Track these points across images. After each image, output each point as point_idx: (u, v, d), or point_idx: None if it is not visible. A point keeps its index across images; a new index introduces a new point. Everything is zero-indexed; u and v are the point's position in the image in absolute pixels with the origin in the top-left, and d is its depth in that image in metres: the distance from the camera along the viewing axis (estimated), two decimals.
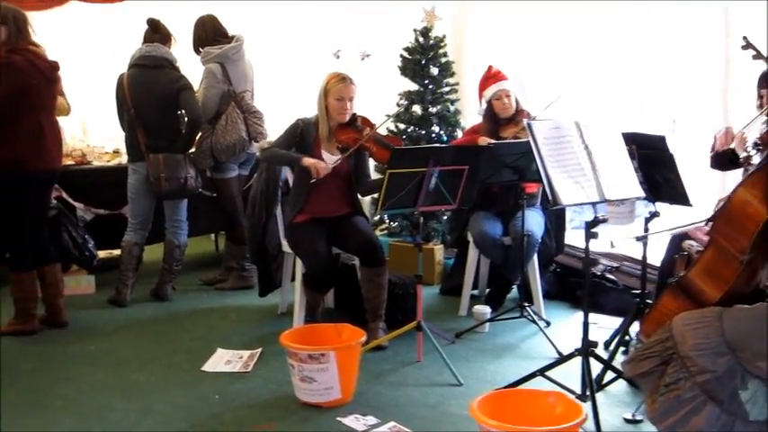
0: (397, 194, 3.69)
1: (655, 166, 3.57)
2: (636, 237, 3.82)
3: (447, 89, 5.63)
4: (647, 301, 3.87)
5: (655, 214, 3.73)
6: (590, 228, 3.18)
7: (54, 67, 4.32)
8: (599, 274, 4.95)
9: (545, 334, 4.19)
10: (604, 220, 3.18)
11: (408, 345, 4.07)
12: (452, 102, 5.62)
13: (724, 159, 3.93)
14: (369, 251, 4.15)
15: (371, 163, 4.61)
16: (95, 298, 5.17)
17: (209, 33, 5.10)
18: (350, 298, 4.60)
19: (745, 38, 3.96)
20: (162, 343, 4.30)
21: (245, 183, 5.33)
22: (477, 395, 3.15)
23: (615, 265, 4.98)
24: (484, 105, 4.82)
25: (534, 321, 4.32)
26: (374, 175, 4.71)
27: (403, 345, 4.10)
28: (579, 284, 5.00)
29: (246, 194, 5.18)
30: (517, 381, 3.46)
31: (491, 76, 4.79)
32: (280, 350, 3.98)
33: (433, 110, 5.57)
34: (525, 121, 3.12)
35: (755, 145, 3.64)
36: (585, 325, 3.32)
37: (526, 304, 4.43)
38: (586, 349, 3.30)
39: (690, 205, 3.72)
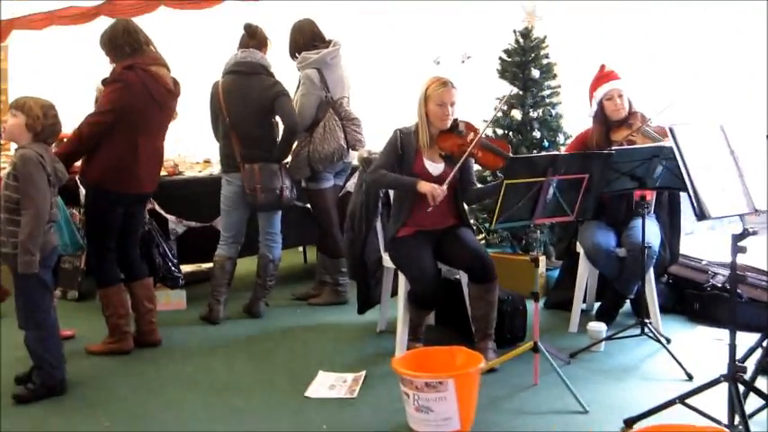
0: (513, 206, 3.44)
1: None
2: None
3: (548, 92, 5.33)
4: None
5: None
6: (738, 241, 2.87)
7: (171, 92, 4.22)
8: (719, 285, 4.59)
9: (672, 354, 3.85)
10: (755, 233, 2.86)
11: (521, 366, 3.80)
12: (554, 105, 5.32)
13: None
14: (479, 266, 3.90)
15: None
16: (187, 314, 5.04)
17: (307, 38, 4.93)
18: (453, 314, 4.35)
19: None
20: (259, 364, 4.12)
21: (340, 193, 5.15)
22: (603, 422, 2.88)
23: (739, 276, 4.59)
24: (594, 107, 4.53)
25: (658, 340, 3.99)
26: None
27: (516, 366, 3.83)
28: (696, 297, 4.68)
29: (342, 205, 5.03)
30: (653, 409, 3.14)
31: (603, 76, 4.50)
32: (385, 372, 3.81)
33: (533, 114, 5.28)
34: (668, 125, 2.82)
35: None
36: (732, 347, 2.99)
37: (647, 320, 4.09)
38: (734, 374, 2.97)
39: None
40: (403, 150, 4.02)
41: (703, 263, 4.82)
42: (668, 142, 4.10)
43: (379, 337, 4.52)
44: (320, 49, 4.88)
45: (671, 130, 2.79)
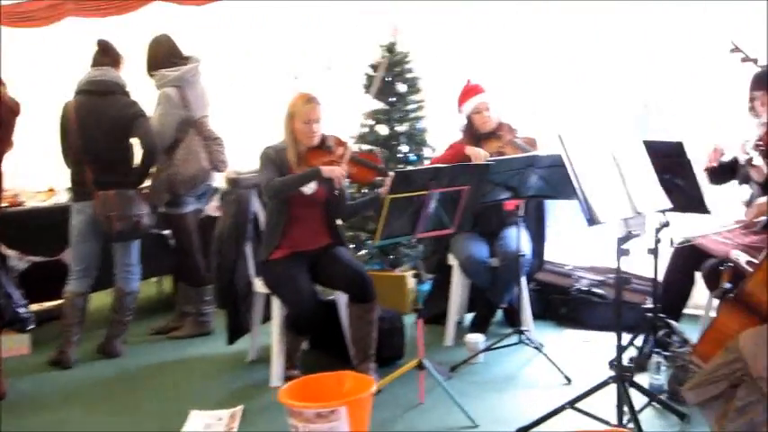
0: (396, 221, 3.34)
1: (670, 174, 3.32)
2: (648, 248, 3.57)
3: (413, 106, 5.30)
4: (660, 315, 3.65)
5: (665, 225, 3.49)
6: (621, 244, 2.91)
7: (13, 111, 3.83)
8: (584, 289, 4.70)
9: (550, 360, 3.88)
10: (637, 235, 2.91)
11: (404, 385, 3.68)
12: (419, 119, 5.30)
13: (722, 171, 3.81)
14: (359, 285, 3.77)
15: None
16: (33, 360, 4.55)
17: (165, 55, 4.63)
18: (327, 338, 4.20)
19: (732, 41, 3.84)
20: (122, 410, 3.74)
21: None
22: None
23: (600, 278, 4.75)
24: (463, 120, 4.55)
25: (537, 347, 4.00)
26: None
27: (398, 386, 3.70)
28: (562, 301, 4.77)
29: (202, 230, 4.77)
30: (544, 416, 3.13)
31: (469, 90, 4.53)
32: (265, 405, 3.62)
33: (400, 129, 5.24)
34: (558, 133, 2.82)
35: (757, 146, 3.50)
36: (619, 348, 3.03)
37: (524, 329, 4.11)
38: (621, 375, 3.00)
39: (708, 212, 3.52)
40: (278, 167, 3.85)
41: (567, 268, 4.94)
42: (539, 151, 4.24)
43: (250, 367, 4.27)
44: (179, 66, 4.60)
45: (560, 138, 2.79)
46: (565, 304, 4.72)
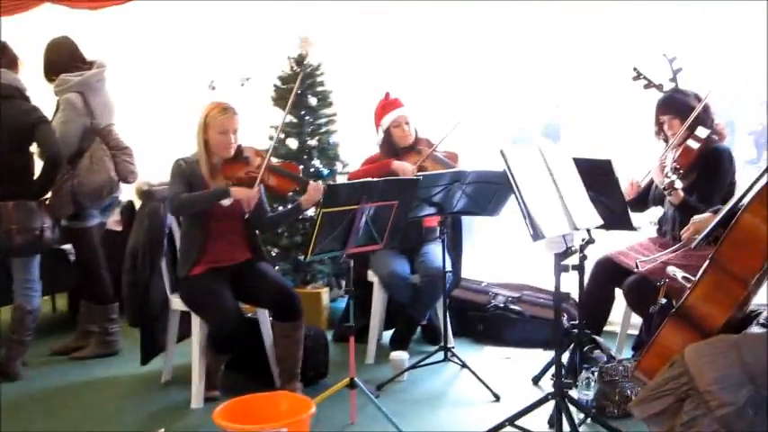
0: (327, 236, 3.26)
1: (596, 191, 3.40)
2: (571, 265, 3.63)
3: (324, 120, 5.22)
4: (587, 331, 3.72)
5: (590, 241, 3.57)
6: (561, 260, 2.95)
7: None
8: (501, 305, 4.76)
9: (478, 377, 3.88)
10: (574, 252, 2.96)
11: (333, 404, 3.58)
12: (330, 133, 5.23)
13: (641, 201, 3.97)
14: (287, 303, 3.68)
15: None
16: None
17: (65, 58, 4.36)
18: (246, 357, 4.05)
19: (635, 68, 4.00)
20: None
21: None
22: None
23: (516, 295, 4.82)
24: (381, 135, 4.53)
25: (464, 364, 4.00)
26: None
27: (327, 405, 3.57)
28: (480, 318, 4.79)
29: (103, 245, 4.54)
30: None
31: (388, 104, 4.53)
32: (188, 428, 3.45)
33: (311, 142, 5.15)
34: (501, 149, 2.82)
35: (675, 170, 3.62)
36: (558, 366, 3.06)
37: (450, 346, 4.11)
38: (561, 391, 3.04)
39: (634, 229, 3.63)
40: (189, 181, 3.69)
41: (483, 284, 4.98)
42: (460, 167, 4.26)
43: (166, 388, 4.07)
44: (83, 71, 4.35)
45: (502, 153, 2.79)
46: (482, 321, 4.75)
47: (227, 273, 3.73)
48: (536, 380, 3.97)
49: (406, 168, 4.28)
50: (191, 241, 3.73)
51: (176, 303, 3.87)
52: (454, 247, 4.67)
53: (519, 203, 2.76)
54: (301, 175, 4.10)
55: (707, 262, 2.57)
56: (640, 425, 2.67)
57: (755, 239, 2.45)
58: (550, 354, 4.31)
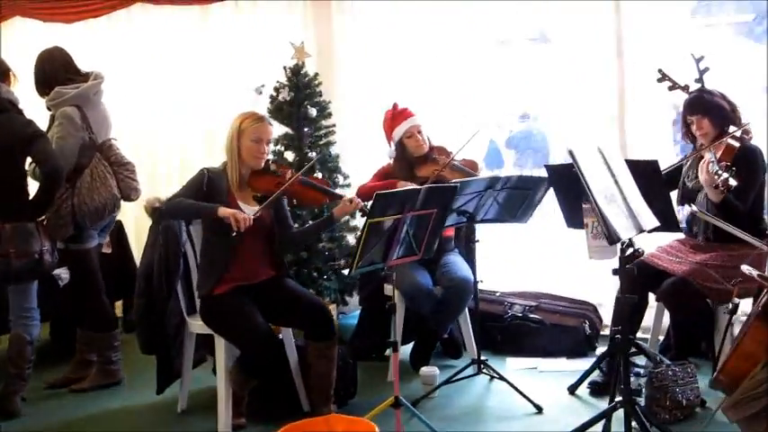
0: (371, 248, 3.11)
1: (644, 192, 3.31)
2: (612, 270, 3.54)
3: (324, 131, 5.05)
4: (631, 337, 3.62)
5: (630, 245, 3.47)
6: (625, 264, 2.85)
7: None
8: (520, 315, 4.64)
9: (518, 390, 3.75)
10: (642, 253, 2.87)
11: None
12: (330, 144, 5.05)
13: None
14: (321, 321, 3.49)
15: None
16: None
17: (59, 70, 4.09)
18: (269, 379, 3.83)
19: (660, 70, 3.97)
20: None
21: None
22: None
23: (533, 303, 4.71)
24: (393, 147, 4.40)
25: (501, 377, 3.85)
26: None
27: None
28: (498, 329, 4.65)
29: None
30: None
31: (398, 114, 4.40)
32: None
33: (311, 154, 4.96)
34: (568, 148, 2.71)
35: (727, 167, 3.47)
36: (627, 375, 2.93)
37: (484, 358, 3.97)
38: (630, 399, 2.92)
39: (681, 230, 3.56)
40: (211, 192, 3.49)
41: (497, 294, 4.85)
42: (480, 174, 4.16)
43: (184, 418, 3.82)
44: (79, 83, 4.09)
45: (571, 154, 2.68)
46: (500, 331, 4.62)
47: (251, 292, 3.52)
48: (572, 389, 3.86)
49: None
50: (212, 258, 3.52)
51: (196, 326, 3.65)
52: (468, 258, 4.55)
53: (593, 206, 2.65)
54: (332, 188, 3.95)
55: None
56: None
57: None
58: (576, 362, 4.28)
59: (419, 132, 4.34)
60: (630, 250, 3.32)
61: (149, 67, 5.58)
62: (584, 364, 4.27)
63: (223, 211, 3.34)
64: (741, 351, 2.56)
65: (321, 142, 5.03)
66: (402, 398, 3.30)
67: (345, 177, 5.08)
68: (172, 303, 3.73)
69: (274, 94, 4.97)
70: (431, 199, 3.29)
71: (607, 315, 4.70)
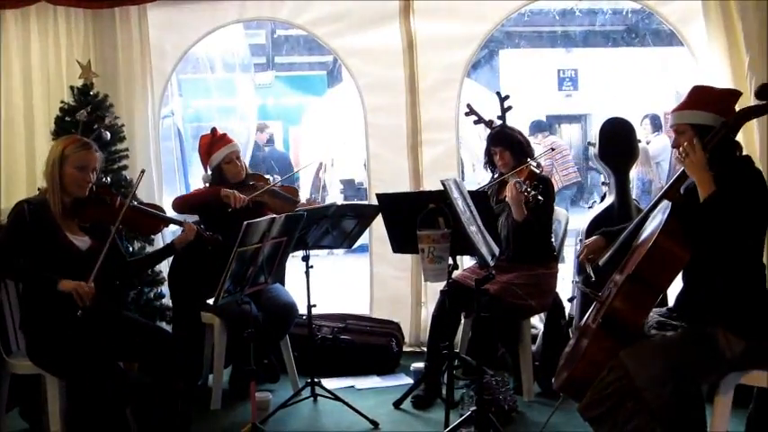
0: (234, 277, 3.12)
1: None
2: (441, 290, 3.88)
3: (116, 156, 4.79)
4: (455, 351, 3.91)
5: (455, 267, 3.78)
6: (480, 285, 3.16)
7: None
8: (330, 336, 4.78)
9: (353, 407, 3.89)
10: (494, 276, 3.19)
11: None
12: (123, 168, 4.81)
13: None
14: (164, 353, 3.34)
15: None
16: None
17: None
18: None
19: (468, 105, 4.43)
20: None
21: None
22: None
23: (341, 324, 4.88)
24: (209, 171, 4.38)
25: (337, 397, 3.94)
26: None
27: None
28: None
29: None
30: None
31: (218, 139, 4.41)
32: None
33: (107, 180, 4.70)
34: (442, 180, 2.93)
35: (534, 186, 3.90)
36: (480, 385, 3.22)
37: (317, 380, 4.05)
38: (484, 408, 3.22)
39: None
40: (37, 225, 3.24)
41: (304, 317, 4.94)
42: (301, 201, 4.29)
43: None
44: None
45: (444, 184, 2.92)
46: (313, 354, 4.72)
47: (88, 325, 3.30)
48: (397, 404, 4.09)
49: (236, 194, 4.18)
50: (39, 296, 3.25)
51: (21, 367, 3.34)
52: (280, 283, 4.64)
53: (471, 230, 2.91)
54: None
55: (624, 277, 2.96)
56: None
57: (671, 257, 2.88)
58: (388, 379, 4.55)
59: (237, 158, 4.37)
60: (456, 272, 3.74)
61: None
62: (396, 379, 4.60)
63: (65, 285, 3.15)
64: (588, 359, 2.94)
65: (114, 167, 4.80)
66: (259, 425, 3.31)
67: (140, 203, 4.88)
68: None
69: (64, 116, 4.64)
70: (286, 227, 3.37)
71: (407, 333, 5.05)
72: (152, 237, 4.48)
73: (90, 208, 3.40)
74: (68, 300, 3.12)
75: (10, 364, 3.37)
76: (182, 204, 4.32)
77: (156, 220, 3.59)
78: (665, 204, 2.99)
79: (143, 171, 3.69)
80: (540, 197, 3.79)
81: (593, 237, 3.34)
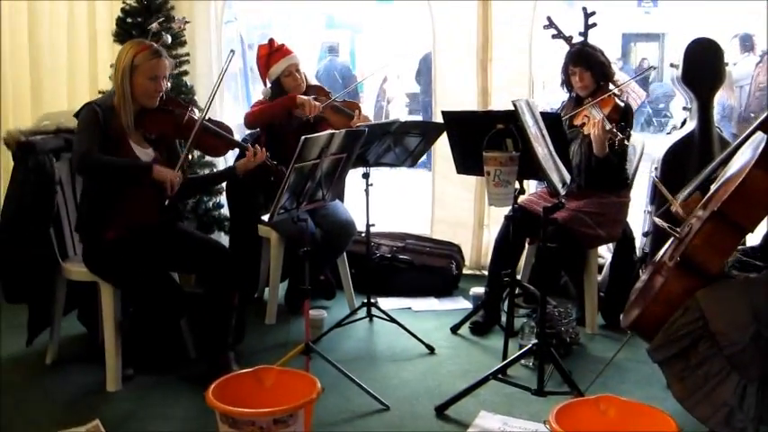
0: (290, 194, 3.01)
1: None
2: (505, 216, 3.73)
3: (176, 61, 4.66)
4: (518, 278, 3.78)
5: (521, 192, 3.59)
6: (548, 214, 2.98)
7: None
8: (388, 256, 4.69)
9: (409, 332, 3.80)
10: (563, 205, 3.00)
11: None
12: (184, 74, 4.69)
13: None
14: (219, 265, 3.27)
15: None
16: None
17: None
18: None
19: (548, 17, 4.13)
20: None
21: None
22: (409, 414, 3.02)
23: (400, 244, 4.77)
24: (268, 85, 4.25)
25: (393, 319, 3.86)
26: None
27: None
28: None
29: None
30: (467, 389, 3.06)
31: (276, 51, 4.23)
32: (121, 415, 3.02)
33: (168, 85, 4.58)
34: (513, 101, 2.73)
35: (622, 128, 3.65)
36: (542, 317, 3.07)
37: (373, 300, 3.96)
38: (545, 341, 3.08)
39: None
40: (107, 130, 3.17)
41: (362, 235, 4.85)
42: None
43: (57, 370, 3.47)
44: None
45: (516, 105, 2.73)
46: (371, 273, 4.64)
47: (144, 236, 3.25)
48: (455, 329, 4.00)
49: (311, 102, 4.04)
50: (98, 200, 3.20)
51: (73, 273, 3.32)
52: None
53: (541, 154, 2.73)
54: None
55: (707, 213, 2.74)
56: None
57: (763, 195, 2.65)
58: (446, 302, 4.44)
59: (297, 71, 4.20)
60: (522, 197, 3.56)
61: None
62: (454, 303, 4.49)
63: (159, 171, 3.12)
64: (663, 298, 2.77)
65: (174, 72, 4.67)
66: (312, 345, 3.25)
67: (201, 111, 4.77)
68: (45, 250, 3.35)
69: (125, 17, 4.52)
70: (345, 143, 3.21)
71: (467, 256, 4.92)
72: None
73: (157, 119, 3.31)
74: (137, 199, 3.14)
75: (66, 270, 3.35)
76: (256, 117, 4.16)
77: (221, 142, 3.46)
78: (760, 138, 2.74)
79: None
80: (626, 142, 3.55)
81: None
